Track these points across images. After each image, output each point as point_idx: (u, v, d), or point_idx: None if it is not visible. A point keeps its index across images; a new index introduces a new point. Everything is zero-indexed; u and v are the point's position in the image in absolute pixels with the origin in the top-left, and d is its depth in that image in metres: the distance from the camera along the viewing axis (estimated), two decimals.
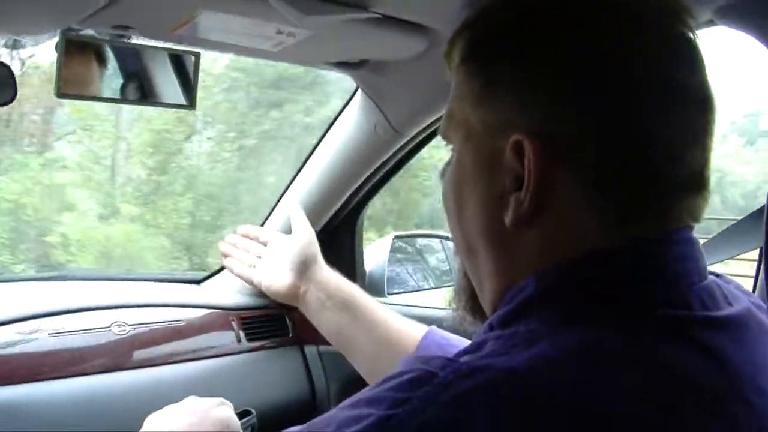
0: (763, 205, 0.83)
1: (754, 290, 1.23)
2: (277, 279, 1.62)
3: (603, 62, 0.75)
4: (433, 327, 1.53)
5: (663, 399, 0.69)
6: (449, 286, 2.48)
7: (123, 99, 1.50)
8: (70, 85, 1.40)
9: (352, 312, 1.59)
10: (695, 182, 0.78)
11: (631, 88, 0.75)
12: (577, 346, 0.70)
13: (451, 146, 0.89)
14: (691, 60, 0.79)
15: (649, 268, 0.76)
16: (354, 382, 2.05)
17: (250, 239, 1.74)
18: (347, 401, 0.73)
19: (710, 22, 1.30)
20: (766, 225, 0.73)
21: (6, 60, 1.49)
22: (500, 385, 0.67)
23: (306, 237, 1.64)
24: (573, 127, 0.75)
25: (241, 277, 1.73)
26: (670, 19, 0.78)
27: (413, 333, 1.53)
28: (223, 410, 1.27)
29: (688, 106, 0.77)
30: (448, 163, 0.91)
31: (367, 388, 0.74)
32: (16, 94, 1.48)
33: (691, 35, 0.79)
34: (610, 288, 0.75)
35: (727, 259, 1.21)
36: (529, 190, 0.76)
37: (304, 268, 1.61)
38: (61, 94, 1.39)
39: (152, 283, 2.58)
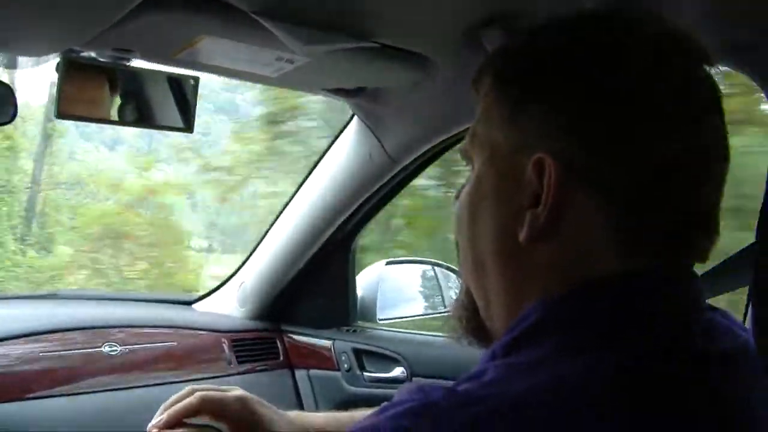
0: (751, 243, 0.84)
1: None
2: None
3: (625, 94, 0.77)
4: None
5: (662, 431, 0.70)
6: (440, 313, 2.49)
7: (121, 121, 1.50)
8: (69, 106, 1.42)
9: None
10: (705, 221, 0.80)
11: (653, 121, 0.76)
12: (576, 377, 0.70)
13: (469, 166, 0.91)
14: (709, 103, 0.80)
15: (652, 300, 0.77)
16: (344, 407, 2.06)
17: None
18: (348, 429, 0.73)
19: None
20: (754, 265, 0.74)
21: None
22: (498, 415, 0.67)
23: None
24: (593, 153, 0.76)
25: None
26: (687, 57, 0.80)
27: None
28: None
29: (710, 148, 0.79)
30: (463, 186, 0.93)
31: (366, 416, 0.75)
32: (16, 113, 1.49)
33: (709, 74, 0.81)
34: (612, 319, 0.75)
35: (714, 297, 1.21)
36: (546, 207, 0.77)
37: None
38: (60, 114, 1.40)
39: (144, 303, 2.58)
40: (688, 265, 0.81)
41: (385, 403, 0.74)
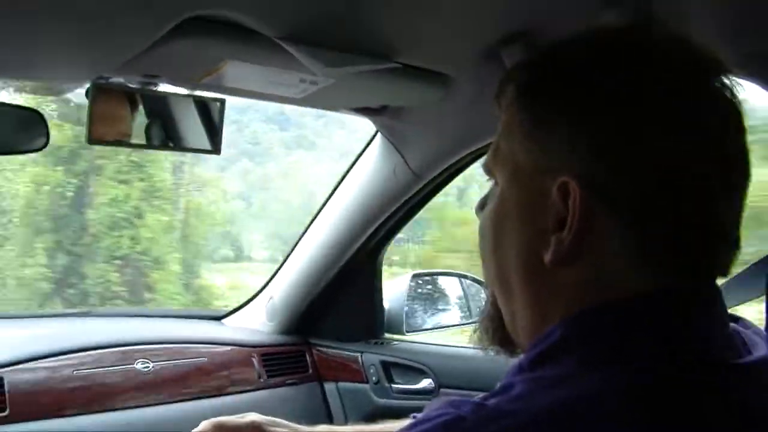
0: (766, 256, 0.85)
1: None
2: None
3: (647, 113, 0.77)
4: None
5: None
6: (468, 324, 2.49)
7: (150, 145, 1.54)
8: (100, 131, 1.45)
9: None
10: (728, 237, 0.80)
11: (679, 143, 0.76)
12: (601, 393, 0.71)
13: (492, 180, 0.91)
14: (731, 119, 0.80)
15: (675, 317, 0.77)
16: (373, 419, 2.07)
17: None
18: None
19: None
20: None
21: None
22: (526, 430, 0.69)
23: None
24: (616, 175, 0.76)
25: None
26: (707, 72, 0.80)
27: None
28: None
29: (732, 165, 0.79)
30: (486, 197, 0.93)
31: (397, 431, 0.76)
32: (48, 140, 1.52)
33: (729, 87, 0.80)
34: (635, 335, 0.76)
35: (734, 306, 1.22)
36: (571, 232, 0.77)
37: None
38: (92, 140, 1.43)
39: (175, 319, 2.62)
40: (710, 279, 0.81)
41: (415, 418, 0.75)
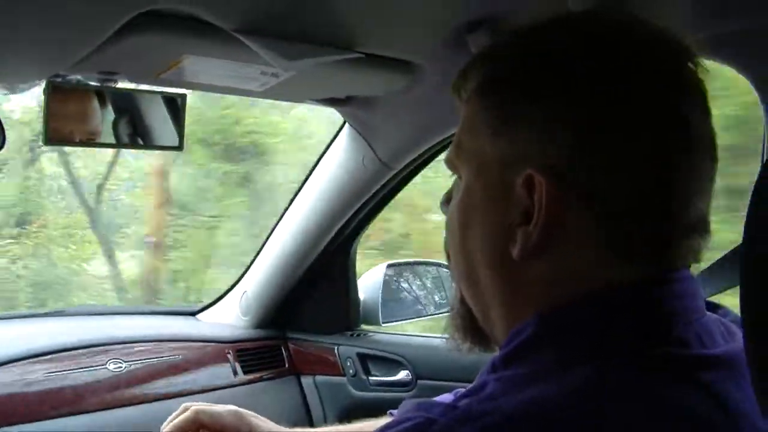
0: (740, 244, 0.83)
1: None
2: None
3: (618, 105, 0.75)
4: None
5: None
6: (444, 314, 2.48)
7: (110, 143, 1.50)
8: (58, 131, 1.41)
9: None
10: (699, 226, 0.79)
11: (646, 132, 0.75)
12: (574, 388, 0.70)
13: (456, 175, 0.90)
14: (702, 104, 0.79)
15: (648, 307, 0.76)
16: (351, 412, 2.06)
17: None
18: None
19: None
20: (742, 263, 0.73)
21: None
22: (499, 430, 0.68)
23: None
24: (585, 167, 0.75)
25: None
26: (677, 58, 0.79)
27: None
28: None
29: (700, 153, 0.78)
30: (449, 192, 0.92)
31: None
32: (4, 141, 1.49)
33: (696, 74, 0.80)
34: (608, 329, 0.75)
35: (711, 295, 1.22)
36: (537, 225, 0.76)
37: None
38: (49, 140, 1.39)
39: (149, 316, 2.59)
40: (684, 268, 0.80)
41: (387, 421, 0.75)
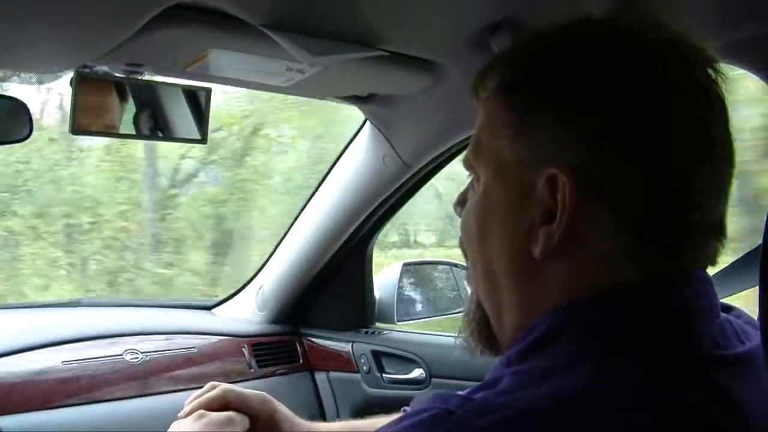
0: (759, 244, 0.84)
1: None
2: None
3: (637, 105, 0.76)
4: None
5: None
6: (458, 313, 2.48)
7: (137, 134, 1.52)
8: (84, 121, 1.43)
9: None
10: (716, 228, 0.80)
11: (665, 133, 0.76)
12: (589, 384, 0.70)
13: (473, 176, 0.90)
14: (718, 108, 0.80)
15: (663, 308, 0.77)
16: (364, 409, 2.07)
17: None
18: None
19: None
20: (761, 265, 0.74)
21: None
22: (513, 423, 0.68)
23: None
24: (607, 166, 0.76)
25: None
26: (694, 64, 0.79)
27: None
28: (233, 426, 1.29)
29: (718, 156, 0.79)
30: (464, 193, 0.92)
31: (386, 424, 0.75)
32: (32, 131, 1.50)
33: (714, 79, 0.80)
34: (623, 328, 0.76)
35: (726, 296, 1.22)
36: (561, 224, 0.77)
37: None
38: (75, 130, 1.41)
39: (165, 309, 2.61)
40: (700, 269, 0.81)
41: (403, 412, 0.75)
